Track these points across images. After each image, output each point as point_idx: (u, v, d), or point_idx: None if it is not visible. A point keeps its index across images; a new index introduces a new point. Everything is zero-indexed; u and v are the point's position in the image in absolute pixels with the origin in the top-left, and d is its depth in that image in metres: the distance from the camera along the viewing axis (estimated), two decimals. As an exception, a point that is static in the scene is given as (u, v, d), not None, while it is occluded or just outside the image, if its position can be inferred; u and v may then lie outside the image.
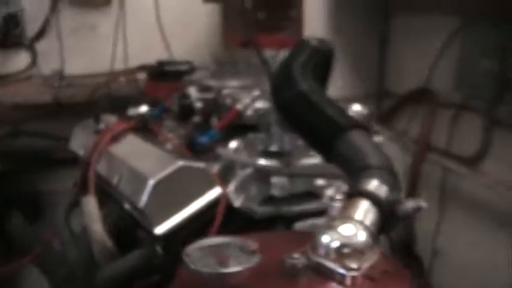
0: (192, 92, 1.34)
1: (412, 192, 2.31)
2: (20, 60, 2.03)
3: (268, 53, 1.35)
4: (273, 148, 1.25)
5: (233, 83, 1.37)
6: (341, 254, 0.70)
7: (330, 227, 0.73)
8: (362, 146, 0.85)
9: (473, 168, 2.22)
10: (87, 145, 1.40)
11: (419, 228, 2.42)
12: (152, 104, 1.49)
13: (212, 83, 1.38)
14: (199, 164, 1.18)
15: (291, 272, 0.69)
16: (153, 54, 1.91)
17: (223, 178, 1.21)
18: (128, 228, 1.29)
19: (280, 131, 1.25)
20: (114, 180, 1.25)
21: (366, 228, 0.73)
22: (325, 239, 0.71)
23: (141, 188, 1.14)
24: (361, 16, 2.49)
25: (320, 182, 1.27)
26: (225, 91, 1.34)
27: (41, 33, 2.02)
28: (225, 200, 1.17)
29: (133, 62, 1.93)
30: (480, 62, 2.14)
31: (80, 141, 1.49)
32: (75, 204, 1.42)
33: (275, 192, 1.23)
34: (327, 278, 0.69)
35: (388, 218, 0.77)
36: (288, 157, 1.23)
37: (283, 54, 1.12)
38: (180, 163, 1.15)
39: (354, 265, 0.69)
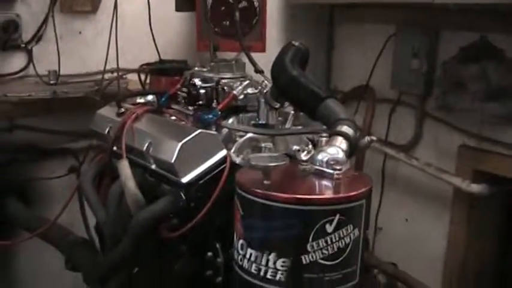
0: (198, 82, 2.04)
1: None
2: (17, 61, 2.64)
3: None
4: (261, 121, 1.95)
5: (227, 75, 2.07)
6: (329, 163, 1.41)
7: (322, 150, 1.44)
8: (335, 107, 1.58)
9: (408, 154, 2.97)
10: (112, 124, 2.05)
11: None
12: (156, 94, 2.17)
13: (211, 75, 2.08)
14: (212, 132, 1.86)
15: (302, 173, 1.40)
16: (140, 56, 2.59)
17: (225, 144, 1.89)
18: (150, 185, 1.94)
19: (266, 109, 1.95)
20: (143, 147, 1.90)
21: (342, 150, 1.44)
22: (320, 156, 1.42)
23: (171, 149, 1.79)
24: (310, 25, 3.25)
25: (295, 147, 1.96)
26: (222, 81, 2.03)
27: (35, 37, 2.63)
28: (230, 159, 1.84)
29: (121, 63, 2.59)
30: (411, 63, 2.84)
31: (102, 123, 2.13)
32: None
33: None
34: (322, 176, 1.40)
35: (353, 147, 1.49)
36: (273, 127, 1.94)
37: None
38: (199, 131, 1.83)
39: (336, 168, 1.39)
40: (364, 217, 1.37)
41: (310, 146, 1.92)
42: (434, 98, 2.82)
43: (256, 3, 2.67)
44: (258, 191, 1.32)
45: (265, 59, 2.28)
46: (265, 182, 1.34)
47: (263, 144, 1.88)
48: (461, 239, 2.82)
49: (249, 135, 1.88)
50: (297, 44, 1.77)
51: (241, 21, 2.62)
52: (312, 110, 1.62)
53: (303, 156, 1.94)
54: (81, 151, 2.68)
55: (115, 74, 2.57)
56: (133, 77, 2.62)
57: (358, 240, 1.36)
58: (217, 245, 1.83)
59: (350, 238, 1.33)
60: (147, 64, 2.36)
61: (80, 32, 2.73)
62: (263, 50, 2.66)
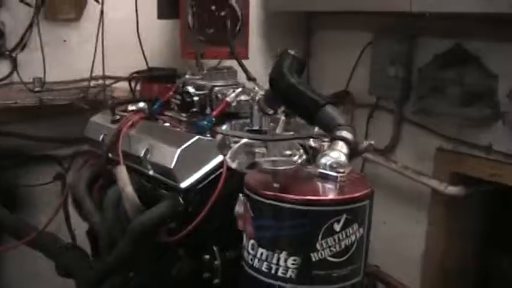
0: (191, 90, 2.11)
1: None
2: (1, 68, 2.67)
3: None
4: (255, 127, 2.04)
5: (220, 82, 2.15)
6: (332, 167, 1.50)
7: (325, 154, 1.53)
8: (334, 113, 1.67)
9: (387, 157, 3.07)
10: (107, 131, 2.11)
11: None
12: (146, 101, 2.24)
13: (204, 82, 2.16)
14: (209, 138, 1.94)
15: (307, 176, 1.50)
16: (125, 63, 2.65)
17: (221, 149, 1.97)
18: (147, 190, 2.00)
19: (259, 115, 2.04)
20: (140, 153, 1.96)
21: (343, 154, 1.54)
22: (324, 159, 1.51)
23: (170, 155, 1.87)
24: (288, 32, 3.34)
25: (287, 152, 2.06)
26: (216, 89, 2.12)
27: (19, 44, 2.67)
28: (226, 164, 1.92)
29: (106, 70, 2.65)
30: (388, 69, 2.95)
31: (96, 130, 2.19)
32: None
33: (258, 158, 2.00)
34: (327, 179, 1.49)
35: (353, 151, 1.59)
36: (266, 133, 2.03)
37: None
38: (197, 137, 1.90)
39: (339, 171, 1.49)
40: (368, 217, 1.47)
41: (302, 151, 2.04)
42: (411, 102, 2.94)
43: (238, 11, 2.76)
44: (269, 193, 1.41)
45: (246, 66, 2.38)
46: (274, 184, 1.43)
47: (257, 150, 1.97)
48: (440, 240, 2.93)
49: (244, 140, 1.95)
50: (292, 52, 1.87)
51: (225, 28, 2.72)
52: (310, 116, 1.72)
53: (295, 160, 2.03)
54: (66, 158, 2.73)
55: (100, 81, 2.63)
56: (118, 84, 2.69)
57: (362, 239, 1.46)
58: (215, 248, 1.90)
59: (355, 236, 1.43)
60: (137, 72, 2.43)
61: (65, 40, 2.78)
62: (246, 56, 2.75)
